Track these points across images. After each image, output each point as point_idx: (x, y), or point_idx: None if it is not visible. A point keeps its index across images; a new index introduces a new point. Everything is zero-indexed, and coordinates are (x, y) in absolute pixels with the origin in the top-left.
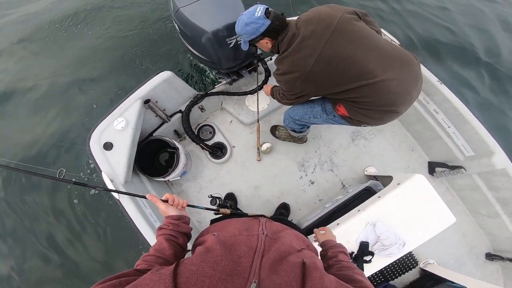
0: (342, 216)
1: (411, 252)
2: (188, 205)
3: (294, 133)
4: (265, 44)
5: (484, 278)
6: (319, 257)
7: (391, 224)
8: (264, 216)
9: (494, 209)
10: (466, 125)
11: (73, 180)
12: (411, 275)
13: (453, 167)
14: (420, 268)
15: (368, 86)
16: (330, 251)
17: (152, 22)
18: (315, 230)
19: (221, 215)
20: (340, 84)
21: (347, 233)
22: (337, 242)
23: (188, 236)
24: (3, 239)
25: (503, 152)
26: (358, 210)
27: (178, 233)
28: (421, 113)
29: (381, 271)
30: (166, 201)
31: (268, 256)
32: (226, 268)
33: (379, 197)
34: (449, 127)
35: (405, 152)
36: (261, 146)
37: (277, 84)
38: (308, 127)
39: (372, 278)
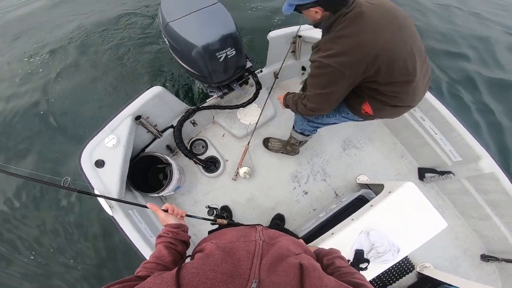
0: (336, 226)
1: (407, 256)
2: (187, 215)
3: (301, 136)
4: (314, 14)
5: (481, 279)
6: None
7: (384, 231)
8: (261, 225)
9: (485, 211)
10: (452, 132)
11: (77, 188)
12: (408, 279)
13: (442, 173)
14: (417, 272)
15: (409, 83)
16: (325, 259)
17: (141, 37)
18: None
19: (218, 225)
20: (390, 77)
21: (342, 242)
22: (330, 248)
23: (187, 244)
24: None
25: (489, 156)
26: (352, 219)
27: (177, 241)
28: (409, 121)
29: (378, 276)
30: (166, 210)
31: (267, 258)
32: (227, 270)
33: (371, 206)
34: (436, 134)
35: (395, 159)
36: (241, 167)
37: (292, 92)
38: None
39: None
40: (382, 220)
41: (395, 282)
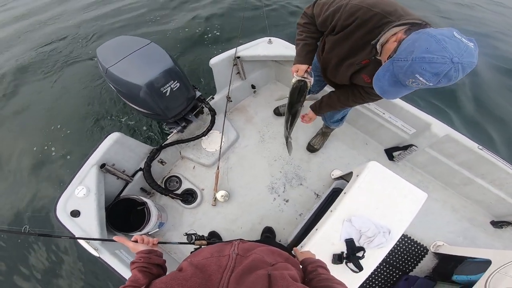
0: (319, 221)
1: (413, 239)
2: (160, 242)
3: (336, 126)
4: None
5: (506, 248)
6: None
7: (365, 215)
8: (241, 240)
9: (464, 175)
10: (396, 107)
11: (38, 232)
12: (429, 262)
13: (406, 147)
14: (433, 252)
15: None
16: (309, 266)
17: (88, 87)
18: (294, 249)
19: (198, 246)
20: None
21: (328, 235)
22: (317, 258)
23: (163, 268)
24: None
25: (438, 121)
26: (331, 211)
27: (150, 265)
28: (358, 109)
29: (393, 265)
30: (136, 241)
31: (237, 271)
32: (195, 284)
33: (344, 193)
34: (384, 113)
35: (361, 147)
36: (217, 192)
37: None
38: None
39: (387, 275)
40: (359, 204)
41: (414, 268)
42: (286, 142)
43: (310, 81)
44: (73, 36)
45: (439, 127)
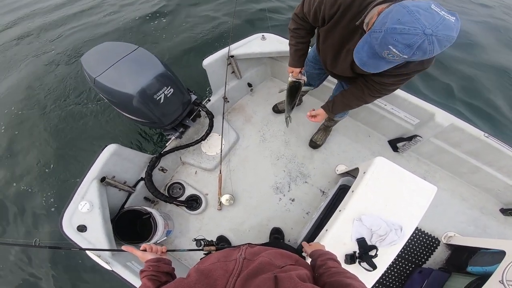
0: (328, 221)
1: (424, 231)
2: (168, 250)
3: (340, 119)
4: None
5: None
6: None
7: (375, 213)
8: (250, 244)
9: (471, 163)
10: (398, 99)
11: (48, 245)
12: (442, 253)
13: (410, 138)
14: (445, 244)
15: None
16: (319, 259)
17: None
18: (303, 243)
19: (207, 252)
20: None
21: (338, 235)
22: (327, 250)
23: (172, 276)
24: None
25: (442, 110)
26: (339, 210)
27: (159, 273)
28: None
29: (406, 259)
30: (144, 250)
31: (243, 275)
32: None
33: (352, 191)
34: (385, 105)
35: (364, 140)
36: (221, 196)
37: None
38: None
39: (400, 268)
40: (368, 202)
41: (428, 260)
42: (286, 120)
43: (303, 80)
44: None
45: (443, 117)
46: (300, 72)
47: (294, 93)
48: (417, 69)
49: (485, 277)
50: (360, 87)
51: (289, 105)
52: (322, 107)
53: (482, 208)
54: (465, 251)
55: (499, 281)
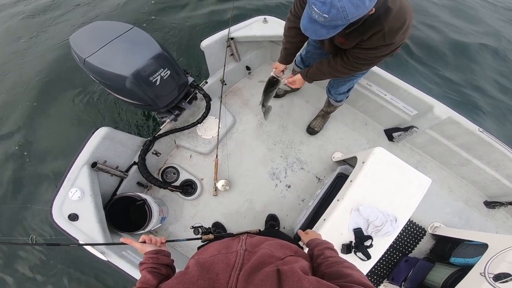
0: (326, 211)
1: (413, 221)
2: (168, 241)
3: (340, 104)
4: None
5: (500, 229)
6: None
7: (373, 203)
8: (248, 233)
9: (462, 156)
10: (399, 90)
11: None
12: (427, 243)
13: (406, 128)
14: (430, 233)
15: None
16: (316, 249)
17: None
18: (298, 231)
19: (206, 241)
20: None
21: (336, 225)
22: (323, 239)
23: (171, 268)
24: None
25: (441, 103)
26: (338, 200)
27: (159, 265)
28: (358, 90)
29: (394, 248)
30: (144, 242)
31: (245, 269)
32: (202, 286)
33: (351, 181)
34: (385, 95)
35: (361, 128)
36: (217, 182)
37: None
38: None
39: (388, 257)
40: (365, 192)
41: (413, 249)
42: (262, 111)
43: (282, 78)
44: None
45: (442, 109)
46: (283, 71)
47: (271, 87)
48: (380, 43)
49: (466, 268)
50: (336, 58)
51: (265, 96)
52: (300, 72)
53: (468, 200)
54: (448, 242)
55: (481, 273)
